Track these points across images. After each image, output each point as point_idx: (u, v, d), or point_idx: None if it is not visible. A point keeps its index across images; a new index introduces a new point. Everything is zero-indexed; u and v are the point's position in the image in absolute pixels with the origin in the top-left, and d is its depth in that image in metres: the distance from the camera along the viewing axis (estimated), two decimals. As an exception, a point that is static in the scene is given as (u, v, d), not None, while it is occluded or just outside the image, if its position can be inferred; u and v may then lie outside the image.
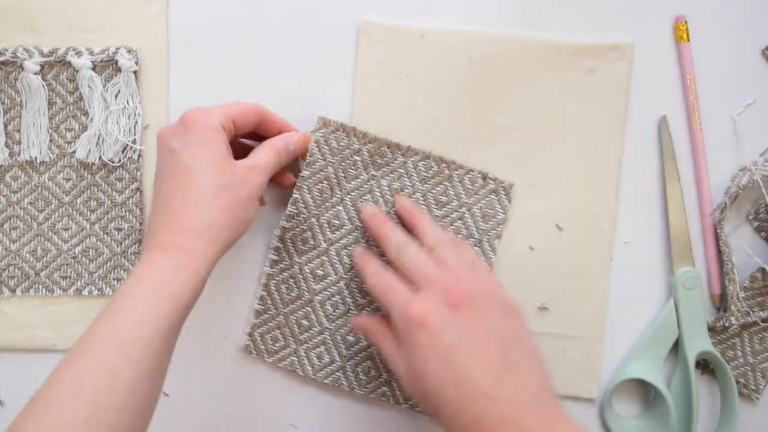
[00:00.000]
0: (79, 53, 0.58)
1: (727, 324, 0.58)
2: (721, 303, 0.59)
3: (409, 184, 0.58)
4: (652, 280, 0.59)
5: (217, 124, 0.49)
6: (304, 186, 0.57)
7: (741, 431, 0.59)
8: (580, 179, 0.59)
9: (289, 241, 0.57)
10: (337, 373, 0.58)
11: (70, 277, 0.59)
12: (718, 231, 0.58)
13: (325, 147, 0.57)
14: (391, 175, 0.57)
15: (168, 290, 0.44)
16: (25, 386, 0.59)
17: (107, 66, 0.58)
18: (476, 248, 0.58)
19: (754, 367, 0.59)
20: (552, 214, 0.59)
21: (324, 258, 0.57)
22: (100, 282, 0.59)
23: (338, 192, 0.57)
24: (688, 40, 0.58)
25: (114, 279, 0.59)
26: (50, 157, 0.58)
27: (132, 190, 0.59)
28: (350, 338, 0.58)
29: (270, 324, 0.58)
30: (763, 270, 0.58)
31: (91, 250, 0.59)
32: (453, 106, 0.58)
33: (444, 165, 0.58)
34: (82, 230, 0.59)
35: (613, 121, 0.59)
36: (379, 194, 0.57)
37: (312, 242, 0.57)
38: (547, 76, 0.58)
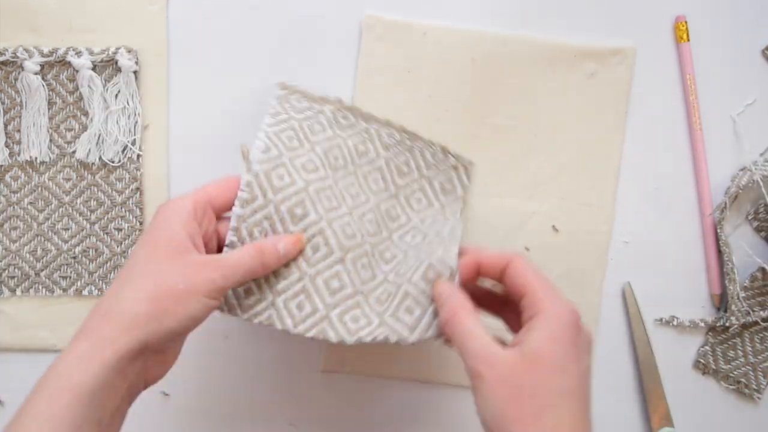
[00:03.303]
0: (79, 53, 0.58)
1: (727, 324, 0.58)
2: (721, 303, 0.59)
3: (373, 148, 0.55)
4: (650, 282, 0.59)
5: (188, 208, 0.46)
6: (270, 131, 0.51)
7: (741, 431, 0.60)
8: (578, 181, 0.59)
9: (263, 175, 0.50)
10: (322, 324, 0.49)
11: (70, 277, 0.59)
12: (718, 231, 0.58)
13: (287, 104, 0.53)
14: (356, 137, 0.54)
15: (69, 379, 0.42)
16: (25, 386, 0.59)
17: (107, 66, 0.58)
18: (439, 217, 0.55)
19: (755, 367, 0.59)
20: (549, 215, 0.59)
21: (303, 195, 0.50)
22: (100, 282, 0.59)
23: (306, 143, 0.52)
24: (688, 40, 0.58)
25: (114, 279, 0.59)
26: (50, 157, 0.58)
27: (132, 190, 0.59)
28: (335, 283, 0.50)
29: None
30: (763, 270, 0.58)
31: (91, 250, 0.59)
32: (453, 105, 0.58)
33: (405, 135, 0.55)
34: (82, 230, 0.59)
35: (612, 124, 0.59)
36: (347, 152, 0.54)
37: (288, 179, 0.50)
38: (548, 78, 0.58)
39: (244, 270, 0.46)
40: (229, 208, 0.49)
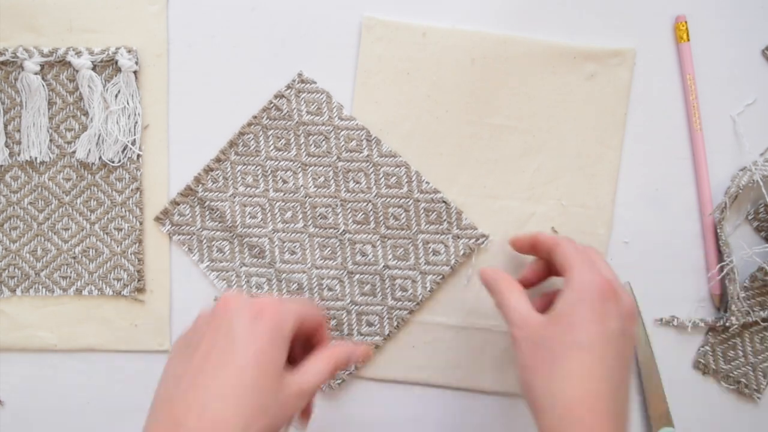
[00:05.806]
0: (79, 53, 0.58)
1: (727, 324, 0.58)
2: (721, 303, 0.59)
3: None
4: (650, 282, 0.59)
5: (291, 326, 0.44)
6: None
7: (741, 431, 0.60)
8: (577, 183, 0.59)
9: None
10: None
11: (70, 277, 0.59)
12: (718, 231, 0.58)
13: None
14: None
15: None
16: (25, 386, 0.59)
17: (107, 66, 0.58)
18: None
19: (755, 367, 0.59)
20: (548, 216, 0.59)
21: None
22: (100, 282, 0.59)
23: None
24: (688, 40, 0.58)
25: (114, 279, 0.59)
26: (50, 157, 0.58)
27: (132, 190, 0.59)
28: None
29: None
30: (763, 270, 0.58)
31: (91, 250, 0.59)
32: (453, 106, 0.58)
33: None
34: (82, 230, 0.59)
35: (612, 126, 0.59)
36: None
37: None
38: (547, 79, 0.58)
39: (322, 383, 0.45)
40: (304, 335, 0.48)
